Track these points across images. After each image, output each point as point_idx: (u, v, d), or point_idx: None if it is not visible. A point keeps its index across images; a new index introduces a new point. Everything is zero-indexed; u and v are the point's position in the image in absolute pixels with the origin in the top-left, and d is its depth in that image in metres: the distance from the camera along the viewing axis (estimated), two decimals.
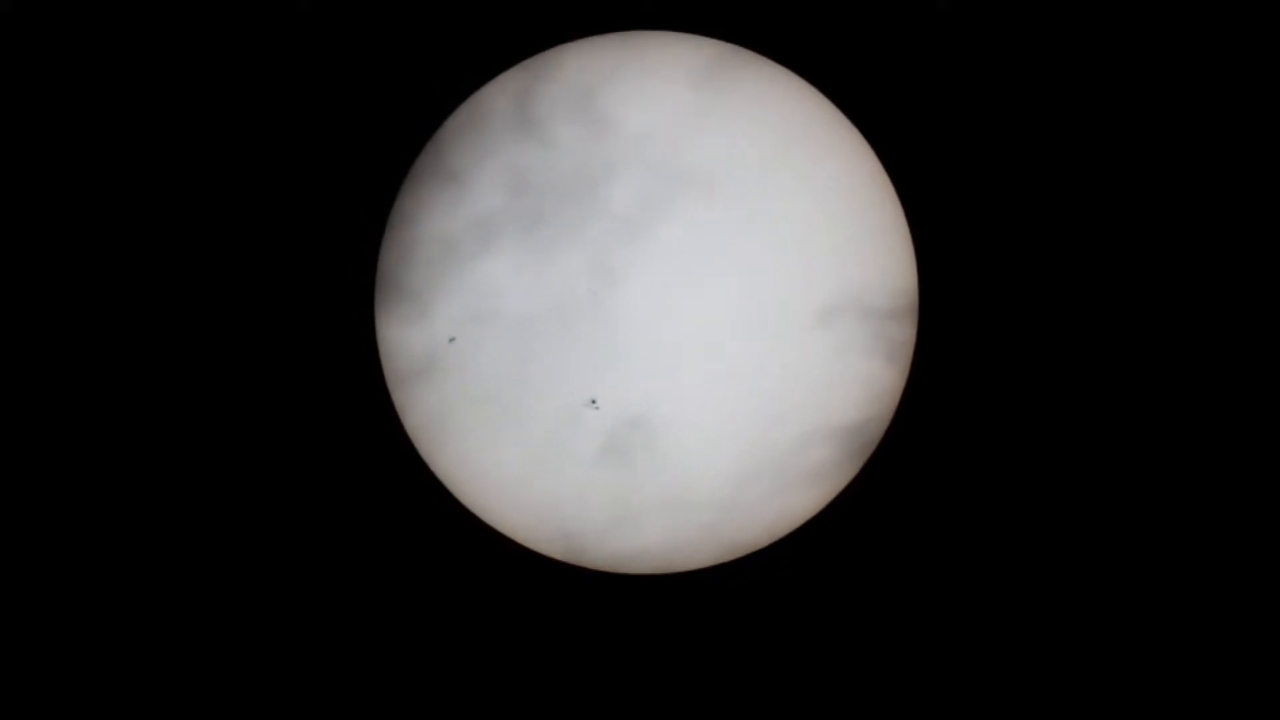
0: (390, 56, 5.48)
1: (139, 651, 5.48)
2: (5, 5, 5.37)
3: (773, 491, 5.35)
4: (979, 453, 5.47)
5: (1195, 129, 5.48)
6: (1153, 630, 5.48)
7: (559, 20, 5.44)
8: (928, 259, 5.44)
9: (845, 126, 5.44)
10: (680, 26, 5.44)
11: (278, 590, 5.48)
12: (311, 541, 5.48)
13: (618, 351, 5.29)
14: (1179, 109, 5.49)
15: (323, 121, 5.47)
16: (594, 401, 5.21)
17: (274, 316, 5.46)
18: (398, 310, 5.41)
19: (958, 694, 5.49)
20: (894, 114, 5.44)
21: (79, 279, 5.47)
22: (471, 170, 5.38)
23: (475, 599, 5.52)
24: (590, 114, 5.34)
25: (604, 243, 5.28)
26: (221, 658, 5.48)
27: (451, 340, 5.22)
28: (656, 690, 5.52)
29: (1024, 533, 5.49)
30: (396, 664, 5.51)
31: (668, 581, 5.47)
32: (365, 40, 5.48)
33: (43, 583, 5.45)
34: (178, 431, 5.45)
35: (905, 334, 5.40)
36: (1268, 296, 5.46)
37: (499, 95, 5.42)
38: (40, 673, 5.45)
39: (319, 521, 5.48)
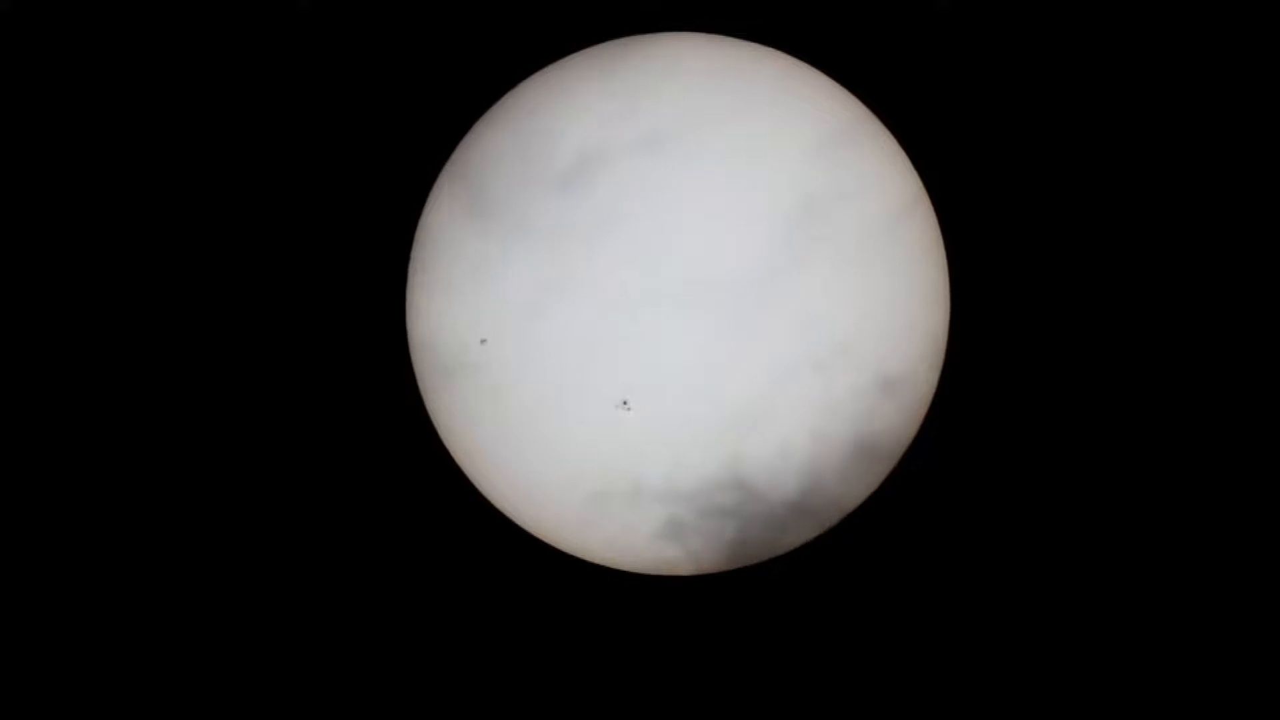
0: (393, 59, 5.51)
1: (172, 644, 5.52)
2: (6, 7, 5.37)
3: None
4: (1010, 466, 5.47)
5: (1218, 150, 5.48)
6: (1152, 630, 5.48)
7: (560, 26, 5.47)
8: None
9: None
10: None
11: (280, 580, 5.53)
12: (326, 542, 5.54)
13: None
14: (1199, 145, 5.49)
15: (320, 126, 5.50)
16: (625, 403, 5.20)
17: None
18: None
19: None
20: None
21: (76, 277, 5.50)
22: None
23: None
24: None
25: None
26: (241, 654, 5.53)
27: (483, 342, 5.23)
28: (662, 692, 5.53)
29: (1027, 561, 5.49)
30: (403, 653, 5.55)
31: (670, 584, 5.49)
32: (365, 43, 5.50)
33: (72, 573, 5.52)
34: (203, 433, 5.50)
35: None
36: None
37: None
38: (50, 663, 5.49)
39: (335, 520, 5.54)
